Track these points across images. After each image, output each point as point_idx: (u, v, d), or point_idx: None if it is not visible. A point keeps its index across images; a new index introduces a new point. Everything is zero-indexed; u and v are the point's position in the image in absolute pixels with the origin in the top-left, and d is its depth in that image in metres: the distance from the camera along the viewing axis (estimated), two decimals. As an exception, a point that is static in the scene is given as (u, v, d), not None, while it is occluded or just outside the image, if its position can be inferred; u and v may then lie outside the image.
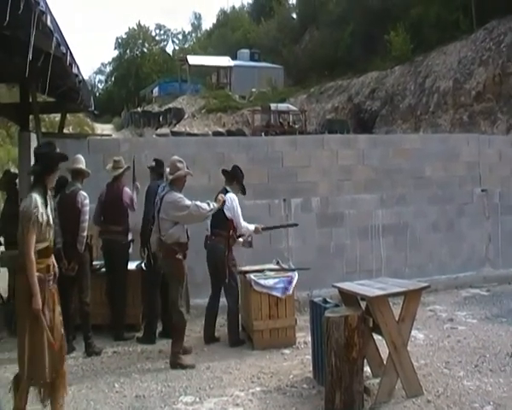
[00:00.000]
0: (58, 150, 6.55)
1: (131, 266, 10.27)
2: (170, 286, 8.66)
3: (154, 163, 10.12)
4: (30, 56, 6.35)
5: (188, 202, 8.37)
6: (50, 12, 6.51)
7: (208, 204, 8.52)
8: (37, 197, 6.04)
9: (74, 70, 8.97)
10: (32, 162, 10.29)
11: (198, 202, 8.45)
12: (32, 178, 6.37)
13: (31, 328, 5.96)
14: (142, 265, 10.14)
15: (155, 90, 73.87)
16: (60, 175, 9.58)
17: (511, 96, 31.11)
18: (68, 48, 8.01)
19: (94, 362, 8.87)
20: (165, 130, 49.81)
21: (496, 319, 10.66)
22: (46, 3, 6.30)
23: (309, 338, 8.64)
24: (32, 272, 5.92)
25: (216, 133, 44.57)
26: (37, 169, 6.24)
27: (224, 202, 9.00)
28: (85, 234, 9.16)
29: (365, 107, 44.23)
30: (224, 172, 9.89)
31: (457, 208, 13.79)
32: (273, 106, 46.28)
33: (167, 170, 8.76)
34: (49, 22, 6.50)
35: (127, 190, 10.14)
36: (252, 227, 9.83)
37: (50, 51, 7.02)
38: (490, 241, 14.09)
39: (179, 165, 8.64)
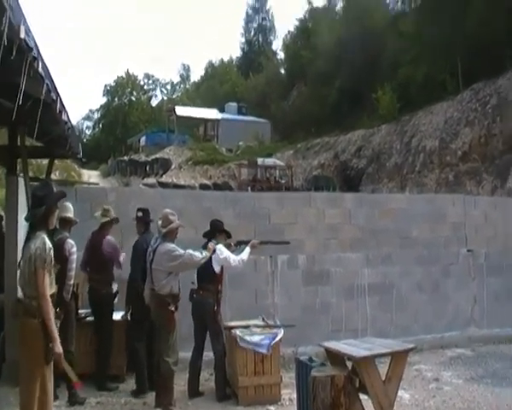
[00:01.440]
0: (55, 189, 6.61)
1: (117, 316, 10.18)
2: (159, 337, 8.69)
3: (139, 213, 10.09)
4: (20, 101, 6.34)
5: (181, 252, 8.57)
6: (42, 58, 6.51)
7: (201, 252, 8.71)
8: (47, 239, 6.08)
9: (64, 117, 8.95)
10: (21, 205, 10.39)
11: (191, 251, 8.63)
12: (32, 220, 6.32)
13: (44, 375, 5.97)
14: (128, 315, 10.07)
15: (143, 140, 74.04)
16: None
17: (496, 157, 31.40)
18: (58, 95, 8.00)
19: (76, 412, 8.74)
20: (151, 180, 49.97)
21: (481, 380, 10.64)
22: (38, 49, 6.29)
23: (294, 395, 8.59)
24: (50, 316, 5.94)
25: (202, 186, 44.78)
26: (39, 211, 6.20)
27: (215, 250, 9.04)
28: (72, 282, 9.11)
29: (351, 164, 44.50)
30: (205, 234, 9.88)
31: (443, 269, 13.82)
32: (260, 160, 46.45)
33: (159, 222, 8.86)
34: (40, 68, 6.49)
35: (110, 239, 10.08)
36: (248, 250, 9.80)
37: (40, 97, 7.00)
38: (475, 301, 14.11)
39: (171, 217, 8.85)
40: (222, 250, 9.45)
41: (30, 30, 5.89)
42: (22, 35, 5.61)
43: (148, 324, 9.41)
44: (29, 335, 6.01)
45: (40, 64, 6.49)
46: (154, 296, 8.70)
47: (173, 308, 8.59)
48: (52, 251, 6.14)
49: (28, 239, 6.19)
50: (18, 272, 6.45)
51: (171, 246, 8.59)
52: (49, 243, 6.10)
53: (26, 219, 6.41)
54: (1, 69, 5.67)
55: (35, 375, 5.99)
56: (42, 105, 7.24)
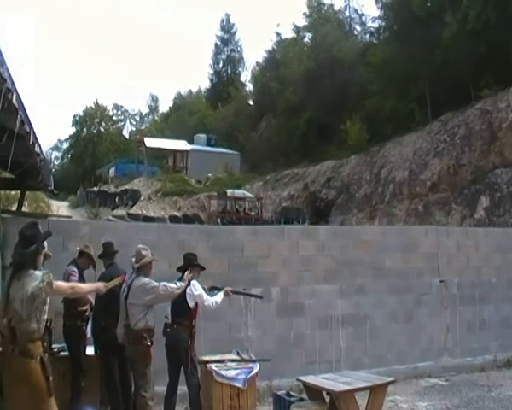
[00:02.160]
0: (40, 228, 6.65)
1: (90, 351, 10.02)
2: (135, 372, 8.60)
3: (102, 249, 9.95)
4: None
5: (155, 284, 8.59)
6: (16, 90, 6.45)
7: (175, 283, 8.74)
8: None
9: (36, 149, 8.89)
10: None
11: (165, 283, 8.65)
12: (21, 260, 6.35)
13: (51, 406, 6.18)
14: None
15: (112, 171, 73.75)
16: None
17: (465, 187, 31.72)
18: (31, 127, 7.94)
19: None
20: (121, 211, 49.69)
21: (457, 410, 10.60)
22: (12, 81, 6.23)
23: (270, 430, 8.51)
24: (86, 288, 7.06)
25: (172, 217, 44.61)
26: (29, 251, 6.26)
27: (190, 281, 8.99)
28: (44, 318, 8.93)
29: (321, 195, 44.62)
30: (179, 269, 9.80)
31: (416, 299, 13.85)
32: (229, 192, 46.39)
33: (133, 259, 8.82)
34: (14, 100, 6.43)
35: (70, 268, 9.88)
36: (221, 295, 9.77)
37: (14, 129, 6.93)
38: (448, 331, 14.15)
39: (144, 252, 8.90)
40: (196, 287, 9.39)
41: (4, 61, 5.83)
42: (-4, 67, 5.55)
43: (117, 359, 9.30)
44: (29, 375, 6.04)
45: (14, 95, 6.43)
46: (129, 332, 8.61)
47: (149, 343, 8.52)
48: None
49: (17, 278, 6.21)
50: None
51: (145, 279, 8.59)
52: (43, 273, 6.24)
53: (14, 258, 6.41)
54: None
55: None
56: (15, 137, 7.17)
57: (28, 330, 6.09)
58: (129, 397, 9.32)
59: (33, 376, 6.04)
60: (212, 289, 9.94)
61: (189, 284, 9.06)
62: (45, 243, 9.20)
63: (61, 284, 6.52)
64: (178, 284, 8.72)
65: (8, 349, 6.10)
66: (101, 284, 7.52)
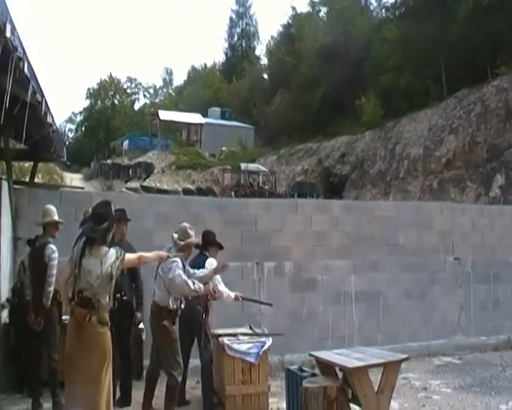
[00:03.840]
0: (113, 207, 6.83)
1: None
2: (158, 347, 8.50)
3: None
4: (7, 104, 6.19)
5: (179, 271, 8.12)
6: (27, 59, 6.36)
7: (193, 283, 8.25)
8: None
9: (49, 119, 8.81)
10: (4, 208, 10.20)
11: (187, 279, 8.18)
12: (93, 235, 6.54)
13: (109, 376, 6.53)
14: None
15: (125, 143, 73.84)
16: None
17: (480, 164, 31.50)
18: (44, 96, 7.86)
19: (61, 421, 8.58)
20: (134, 184, 49.76)
21: (470, 389, 10.55)
22: (24, 50, 6.15)
23: (282, 405, 8.52)
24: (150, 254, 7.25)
25: (186, 190, 44.62)
26: (101, 228, 6.49)
27: (214, 292, 8.89)
28: (51, 289, 8.86)
29: (335, 171, 44.53)
30: (197, 246, 9.66)
31: (430, 276, 13.76)
32: (243, 166, 46.31)
33: (175, 235, 8.58)
34: (26, 69, 6.35)
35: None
36: (232, 295, 9.64)
37: (26, 99, 6.85)
38: (462, 309, 14.07)
39: (190, 232, 8.65)
40: (212, 264, 9.28)
41: (15, 29, 5.74)
42: (8, 34, 5.46)
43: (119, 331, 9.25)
44: (104, 341, 6.43)
45: (26, 65, 6.34)
46: (152, 305, 8.50)
47: (166, 323, 8.34)
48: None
49: (90, 253, 6.45)
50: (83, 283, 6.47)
51: (175, 260, 8.26)
52: (116, 250, 6.58)
53: (86, 233, 6.60)
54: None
55: (105, 377, 6.38)
56: (28, 107, 7.10)
57: (104, 302, 6.43)
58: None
59: (107, 342, 6.45)
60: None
61: (213, 296, 8.98)
62: (54, 214, 9.29)
63: (128, 256, 6.73)
64: (196, 285, 8.43)
65: (82, 317, 6.35)
66: (163, 253, 7.56)
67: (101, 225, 6.53)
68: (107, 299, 6.51)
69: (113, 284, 6.55)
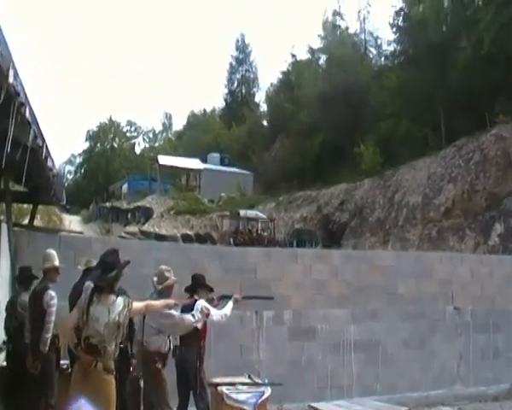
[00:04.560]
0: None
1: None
2: (150, 393, 8.52)
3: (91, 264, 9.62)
4: (8, 147, 6.20)
5: (174, 312, 8.35)
6: (29, 103, 6.39)
7: (193, 316, 8.47)
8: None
9: (49, 163, 8.85)
10: (3, 251, 10.18)
11: (184, 315, 8.48)
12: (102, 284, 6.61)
13: None
14: None
15: (125, 187, 74.04)
16: (23, 266, 9.52)
17: (479, 213, 31.54)
18: (44, 141, 7.90)
19: None
20: (133, 228, 49.70)
21: (470, 441, 10.44)
22: (25, 94, 6.18)
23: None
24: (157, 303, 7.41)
25: (184, 236, 44.54)
26: (110, 277, 6.58)
27: (208, 314, 8.84)
28: (49, 335, 8.86)
29: (334, 218, 44.52)
30: (187, 289, 9.67)
31: (429, 325, 13.73)
32: (242, 212, 46.27)
33: (155, 279, 8.75)
34: (27, 114, 6.37)
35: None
36: (230, 305, 9.54)
37: (27, 143, 6.87)
38: (461, 358, 14.01)
39: (167, 274, 8.80)
40: (202, 304, 9.25)
41: (18, 74, 5.77)
42: (11, 80, 5.49)
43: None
44: (108, 388, 6.47)
45: (27, 109, 6.37)
46: (142, 351, 8.55)
47: (159, 366, 8.41)
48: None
49: (98, 301, 6.52)
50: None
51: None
52: (123, 299, 6.63)
53: (94, 281, 6.68)
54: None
55: None
56: (29, 151, 7.11)
57: (110, 350, 6.48)
58: None
59: (112, 390, 6.49)
60: (221, 299, 9.77)
61: (206, 316, 8.91)
62: (54, 259, 9.28)
63: (136, 304, 6.81)
64: (196, 316, 8.53)
65: (88, 363, 6.40)
66: (171, 301, 7.62)
67: (110, 273, 6.60)
68: (114, 347, 6.53)
69: (121, 333, 6.58)
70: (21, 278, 9.67)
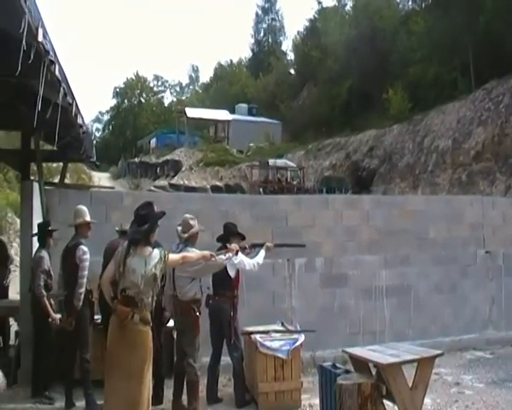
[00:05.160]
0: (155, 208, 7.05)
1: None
2: (185, 343, 8.60)
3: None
4: (39, 106, 6.24)
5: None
6: (58, 61, 6.41)
7: (224, 254, 8.54)
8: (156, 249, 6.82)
9: (79, 120, 8.88)
10: (35, 210, 10.31)
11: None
12: (136, 237, 6.80)
13: (149, 375, 6.76)
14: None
15: (153, 141, 74.16)
16: (40, 222, 9.62)
17: (510, 156, 31.21)
18: (74, 98, 7.92)
19: (94, 420, 8.65)
20: (162, 182, 49.88)
21: (503, 384, 10.45)
22: (55, 53, 6.20)
23: (314, 401, 8.52)
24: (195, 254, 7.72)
25: (214, 187, 44.67)
26: (143, 229, 6.74)
27: (237, 251, 8.88)
28: (82, 290, 8.98)
29: (363, 165, 44.28)
30: (219, 238, 9.74)
31: (461, 270, 13.66)
32: (271, 162, 46.23)
33: (179, 228, 8.79)
34: (57, 72, 6.40)
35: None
36: (262, 253, 9.66)
37: (57, 101, 6.90)
38: (493, 303, 13.93)
39: (192, 222, 8.85)
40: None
41: (47, 32, 5.79)
42: (40, 38, 5.51)
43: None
44: (146, 340, 6.62)
45: (57, 67, 6.39)
46: (177, 303, 8.62)
47: (198, 313, 8.53)
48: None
49: (135, 253, 6.68)
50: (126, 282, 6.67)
51: (193, 250, 8.43)
52: (160, 251, 6.79)
53: (130, 234, 6.94)
54: (17, 73, 5.57)
55: (146, 375, 6.57)
56: (60, 109, 7.15)
57: (147, 302, 6.62)
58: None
59: (149, 341, 6.63)
60: (253, 247, 9.75)
61: (236, 253, 8.94)
62: (86, 215, 9.37)
63: (172, 256, 7.00)
64: (226, 254, 8.61)
65: (125, 315, 6.52)
66: (207, 253, 7.77)
67: (144, 226, 6.73)
68: (150, 298, 6.66)
69: (157, 284, 6.73)
70: (38, 234, 9.84)
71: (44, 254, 9.56)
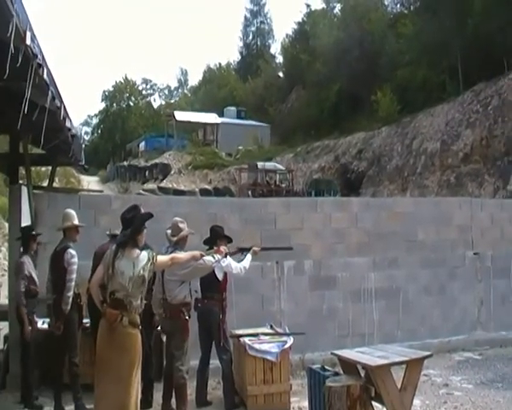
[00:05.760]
0: (142, 210, 7.05)
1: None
2: (173, 346, 8.59)
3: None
4: (25, 109, 6.23)
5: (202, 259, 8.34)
6: (47, 65, 6.41)
7: (213, 256, 8.52)
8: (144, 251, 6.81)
9: (68, 124, 8.87)
10: (24, 214, 10.29)
11: (203, 257, 8.40)
12: (122, 240, 6.82)
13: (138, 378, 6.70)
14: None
15: (142, 145, 74.01)
16: (23, 226, 9.60)
17: (498, 158, 31.34)
18: (62, 101, 7.91)
19: (83, 424, 8.64)
20: (151, 185, 49.93)
21: (492, 385, 10.50)
22: (43, 56, 6.19)
23: (303, 403, 8.57)
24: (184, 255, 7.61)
25: (203, 190, 44.67)
26: (130, 232, 6.75)
27: (227, 254, 8.89)
28: (70, 294, 8.95)
29: (352, 167, 44.38)
30: (206, 241, 9.75)
31: (449, 272, 13.69)
32: (260, 165, 46.25)
33: (169, 231, 8.80)
34: (45, 75, 6.39)
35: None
36: (249, 257, 9.62)
37: (46, 105, 6.90)
38: (482, 304, 13.98)
39: (181, 225, 8.88)
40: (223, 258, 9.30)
41: (35, 36, 5.78)
42: (28, 41, 5.51)
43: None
44: (135, 343, 6.63)
45: (45, 71, 6.39)
46: (166, 306, 8.63)
47: (187, 317, 8.53)
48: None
49: (123, 255, 6.67)
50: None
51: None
52: (148, 253, 6.77)
53: (118, 239, 6.96)
54: (4, 77, 5.56)
55: (135, 378, 6.56)
56: (47, 113, 7.14)
57: (136, 304, 6.62)
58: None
59: (138, 344, 6.64)
60: (240, 251, 9.77)
61: (225, 256, 8.94)
62: (74, 218, 9.36)
63: (161, 258, 6.99)
64: (216, 256, 8.61)
65: (114, 318, 6.52)
66: (197, 253, 7.76)
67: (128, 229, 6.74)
68: (139, 301, 6.69)
69: (146, 287, 6.75)
70: (22, 238, 9.76)
71: (25, 259, 9.49)
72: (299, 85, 65.76)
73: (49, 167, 14.18)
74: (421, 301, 13.29)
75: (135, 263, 6.59)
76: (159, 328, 9.74)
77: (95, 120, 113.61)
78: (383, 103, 45.33)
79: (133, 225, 6.76)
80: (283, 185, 46.09)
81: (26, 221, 10.32)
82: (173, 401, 8.80)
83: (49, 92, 6.82)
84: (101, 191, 19.51)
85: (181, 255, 7.52)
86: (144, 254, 6.69)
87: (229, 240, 9.69)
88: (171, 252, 8.51)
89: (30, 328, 9.23)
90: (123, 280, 6.53)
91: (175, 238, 8.69)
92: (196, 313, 9.39)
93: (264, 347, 9.15)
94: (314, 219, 12.66)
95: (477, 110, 34.47)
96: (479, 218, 14.24)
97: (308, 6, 74.82)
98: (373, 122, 45.99)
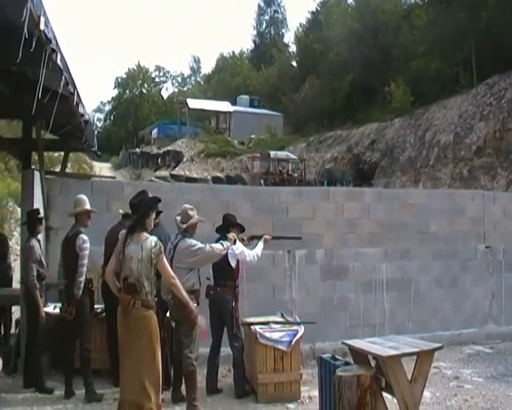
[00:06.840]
0: (150, 195, 7.25)
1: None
2: (182, 333, 8.55)
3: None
4: (39, 94, 6.23)
5: (201, 245, 8.47)
6: (60, 50, 6.40)
7: (222, 244, 8.60)
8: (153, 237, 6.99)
9: (80, 110, 8.88)
10: (36, 198, 10.30)
11: (212, 244, 8.56)
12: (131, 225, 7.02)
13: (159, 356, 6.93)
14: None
15: (154, 132, 74.03)
16: (29, 210, 9.58)
17: (511, 151, 31.16)
18: (76, 87, 7.92)
19: (94, 409, 8.68)
20: (163, 172, 49.86)
21: (502, 379, 10.46)
22: (57, 41, 6.19)
23: (313, 393, 8.56)
24: (182, 291, 7.45)
25: (215, 178, 44.62)
26: (137, 216, 6.99)
27: (236, 240, 8.90)
28: (82, 279, 8.95)
29: (365, 158, 44.22)
30: (218, 229, 9.74)
31: (461, 264, 13.66)
32: (272, 154, 46.20)
33: (178, 218, 8.74)
34: (58, 61, 6.39)
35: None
36: (260, 245, 9.74)
37: (58, 90, 6.90)
38: (493, 297, 13.94)
39: (191, 213, 8.78)
40: (237, 245, 9.28)
41: (49, 21, 5.78)
42: (42, 27, 5.51)
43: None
44: (149, 324, 6.80)
45: (59, 56, 6.38)
46: (175, 296, 8.59)
47: (195, 304, 8.49)
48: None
49: (131, 240, 6.86)
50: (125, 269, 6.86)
51: (191, 241, 8.45)
52: (156, 239, 6.92)
53: (129, 224, 7.09)
54: (20, 61, 5.57)
55: (154, 359, 6.76)
56: (59, 98, 7.14)
57: (147, 286, 6.80)
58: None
59: (153, 324, 6.82)
60: (251, 239, 9.86)
61: (234, 243, 8.95)
62: (86, 204, 9.36)
63: (165, 264, 7.12)
64: (224, 243, 8.61)
65: (127, 302, 6.70)
66: (194, 306, 7.92)
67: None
68: (150, 283, 6.84)
69: (154, 269, 6.87)
70: (28, 222, 9.75)
71: (34, 242, 9.50)
72: (313, 75, 65.49)
73: (62, 153, 14.21)
74: (433, 293, 13.26)
75: (142, 246, 6.76)
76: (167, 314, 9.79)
77: (108, 107, 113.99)
78: (396, 94, 45.12)
79: (140, 209, 6.91)
80: (296, 175, 46.06)
81: (38, 206, 10.31)
82: (183, 387, 8.78)
83: (63, 78, 6.83)
84: (113, 177, 19.49)
85: (181, 289, 7.49)
86: (151, 239, 6.85)
87: (242, 228, 9.69)
88: (179, 239, 8.51)
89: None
90: (132, 264, 6.67)
91: (184, 225, 8.65)
92: (208, 300, 9.40)
93: (276, 336, 9.14)
94: (326, 208, 12.63)
95: (490, 103, 34.24)
96: (491, 211, 14.17)
97: (322, -5, 74.58)
98: (386, 113, 45.83)
